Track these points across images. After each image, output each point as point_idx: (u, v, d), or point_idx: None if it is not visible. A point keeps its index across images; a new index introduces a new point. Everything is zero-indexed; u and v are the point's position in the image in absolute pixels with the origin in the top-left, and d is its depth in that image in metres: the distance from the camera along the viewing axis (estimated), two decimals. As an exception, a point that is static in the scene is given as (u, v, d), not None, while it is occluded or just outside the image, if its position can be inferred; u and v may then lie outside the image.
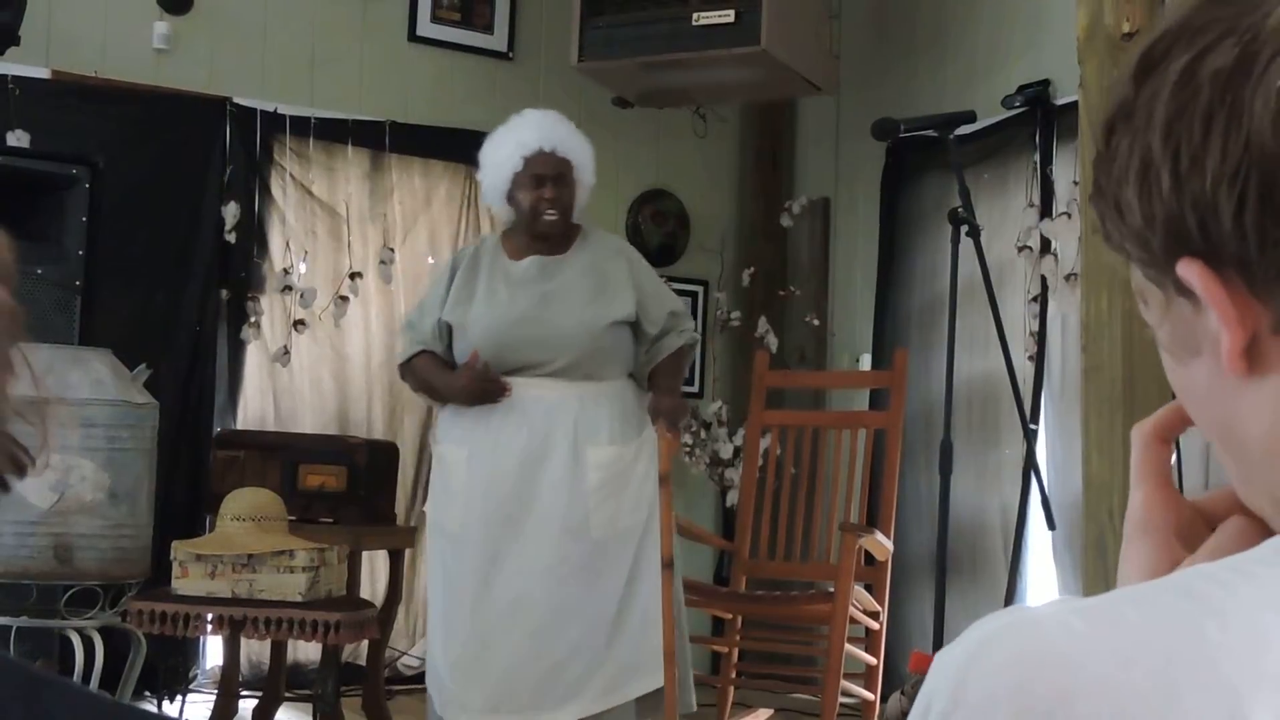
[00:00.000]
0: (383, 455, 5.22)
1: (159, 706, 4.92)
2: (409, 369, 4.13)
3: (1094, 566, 3.59)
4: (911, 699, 3.23)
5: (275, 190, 5.57)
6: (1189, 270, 0.70)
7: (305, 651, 5.14)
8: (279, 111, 5.50)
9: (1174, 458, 0.79)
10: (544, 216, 4.02)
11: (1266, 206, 0.68)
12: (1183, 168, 0.70)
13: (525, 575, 3.89)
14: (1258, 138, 0.68)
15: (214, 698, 4.49)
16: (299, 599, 4.18)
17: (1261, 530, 0.75)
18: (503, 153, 4.02)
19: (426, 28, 5.82)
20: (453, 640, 3.91)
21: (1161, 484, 0.81)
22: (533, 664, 3.87)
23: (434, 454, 4.14)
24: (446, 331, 4.07)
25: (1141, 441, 0.82)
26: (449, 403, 4.04)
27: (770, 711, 4.88)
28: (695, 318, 6.13)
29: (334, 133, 5.61)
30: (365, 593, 5.19)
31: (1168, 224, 0.71)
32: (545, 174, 4.00)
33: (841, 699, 4.37)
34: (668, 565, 3.84)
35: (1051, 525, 4.11)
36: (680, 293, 5.78)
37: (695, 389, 6.23)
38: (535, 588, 3.89)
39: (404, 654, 5.61)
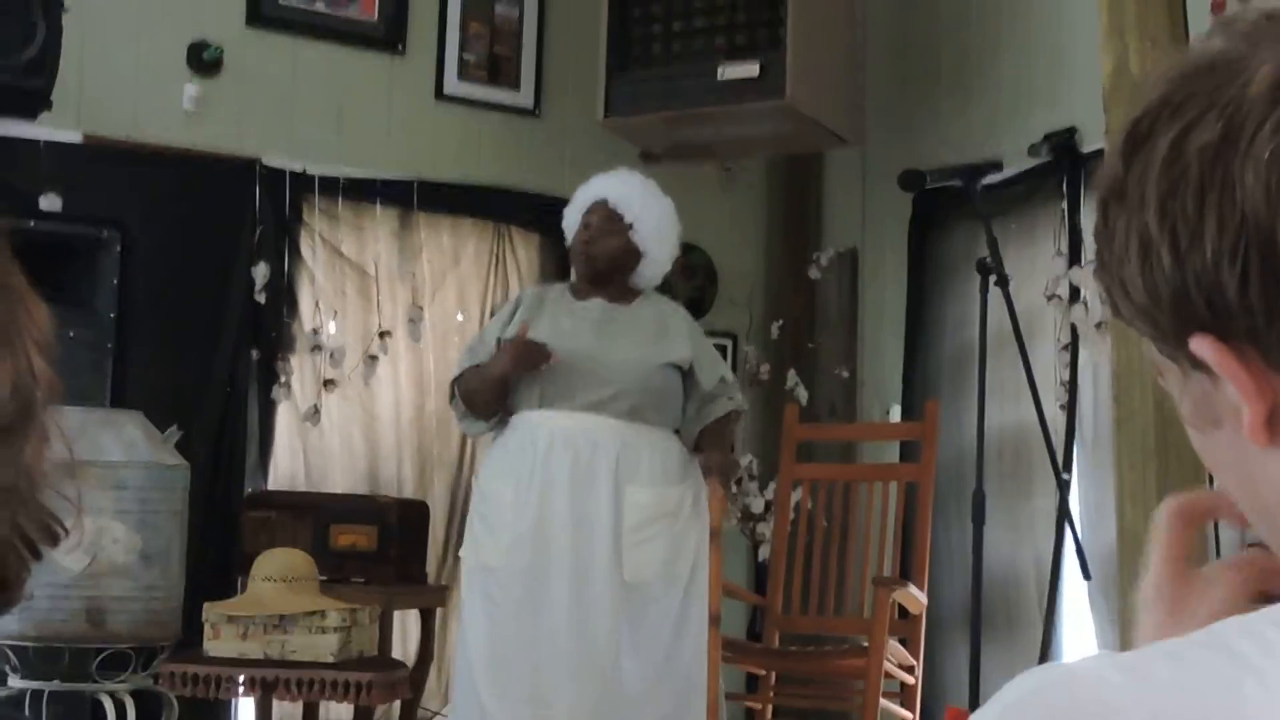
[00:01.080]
0: (414, 514, 5.22)
1: (192, 769, 4.81)
2: (458, 381, 4.18)
3: (1131, 617, 3.49)
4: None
5: (305, 250, 5.58)
6: (1201, 346, 0.71)
7: (338, 713, 5.14)
8: (307, 171, 5.54)
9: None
10: (582, 256, 4.11)
11: (1269, 278, 0.68)
12: (1182, 246, 0.70)
13: (567, 610, 3.91)
14: (1252, 211, 0.68)
15: (247, 759, 4.29)
16: (331, 659, 4.18)
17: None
18: (575, 204, 4.20)
19: (454, 85, 5.85)
20: (501, 672, 3.93)
21: (1172, 565, 0.81)
22: (578, 707, 3.90)
23: (475, 491, 4.17)
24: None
25: (1165, 521, 0.82)
26: (495, 381, 4.04)
27: (806, 767, 4.67)
28: None
29: (362, 192, 5.64)
30: (397, 653, 5.19)
31: (1174, 301, 0.71)
32: (590, 221, 4.11)
33: (877, 754, 4.19)
34: (714, 621, 3.85)
35: (1087, 575, 4.10)
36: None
37: None
38: (577, 625, 3.91)
39: (436, 714, 5.55)
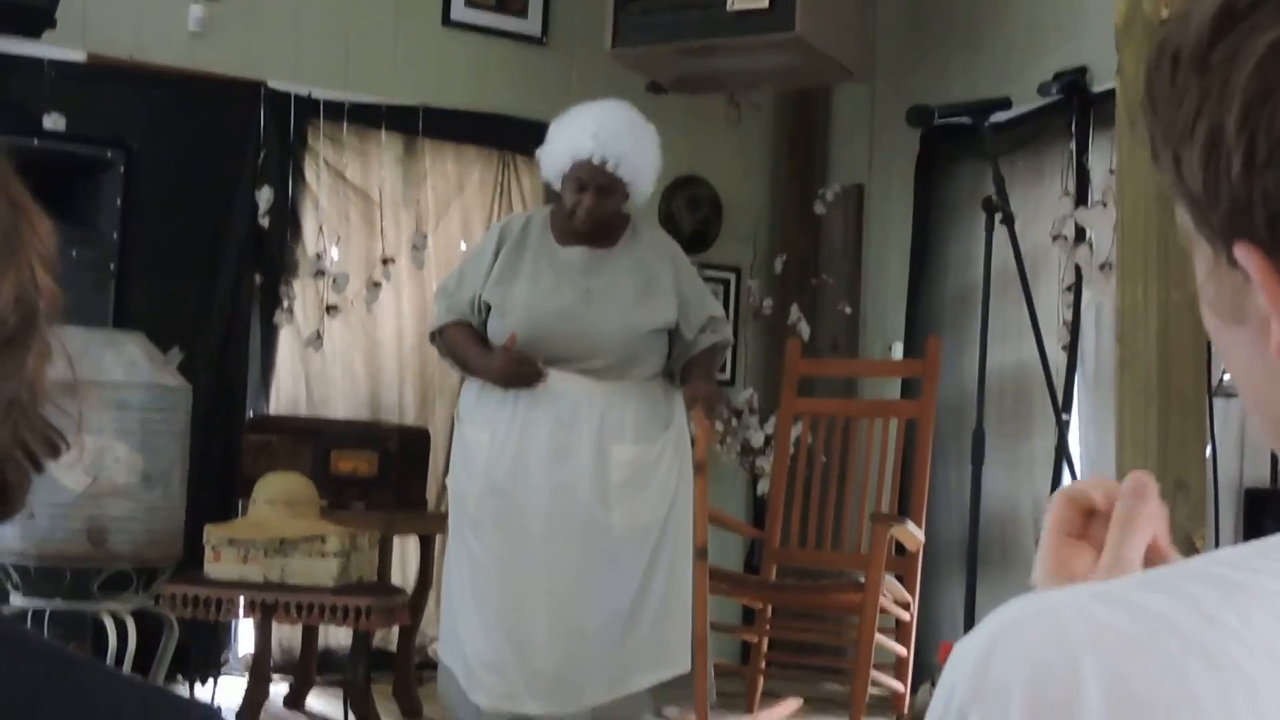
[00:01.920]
0: (414, 441, 5.22)
1: (190, 690, 4.95)
2: (440, 336, 4.12)
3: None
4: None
5: (309, 175, 5.57)
6: (1247, 257, 0.68)
7: (336, 637, 5.14)
8: (313, 96, 5.52)
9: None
10: (576, 217, 4.02)
11: None
12: (1259, 158, 0.66)
13: (544, 566, 3.88)
14: None
15: (245, 682, 4.51)
16: (330, 584, 4.19)
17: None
18: (562, 145, 4.01)
19: (461, 12, 5.81)
20: (477, 622, 3.93)
21: (1055, 536, 0.85)
22: (550, 653, 3.87)
23: (455, 430, 4.13)
24: (485, 307, 4.05)
25: (1055, 501, 0.85)
26: (479, 378, 4.03)
27: (799, 701, 4.87)
28: (727, 305, 6.12)
29: (368, 118, 5.62)
30: (396, 579, 5.20)
31: (1233, 208, 0.68)
32: (588, 183, 3.99)
33: (871, 689, 4.36)
34: (700, 554, 3.84)
35: (1084, 517, 4.05)
36: (712, 280, 5.78)
37: (727, 377, 6.22)
38: (554, 579, 3.88)
39: (435, 640, 5.48)
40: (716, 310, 4.18)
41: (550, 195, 4.52)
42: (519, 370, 3.93)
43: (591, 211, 3.96)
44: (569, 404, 3.95)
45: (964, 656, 0.66)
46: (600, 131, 3.95)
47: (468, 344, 4.05)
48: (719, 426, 5.93)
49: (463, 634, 3.92)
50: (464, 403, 4.11)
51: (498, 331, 4.00)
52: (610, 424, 3.96)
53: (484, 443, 3.98)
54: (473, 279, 4.06)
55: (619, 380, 3.99)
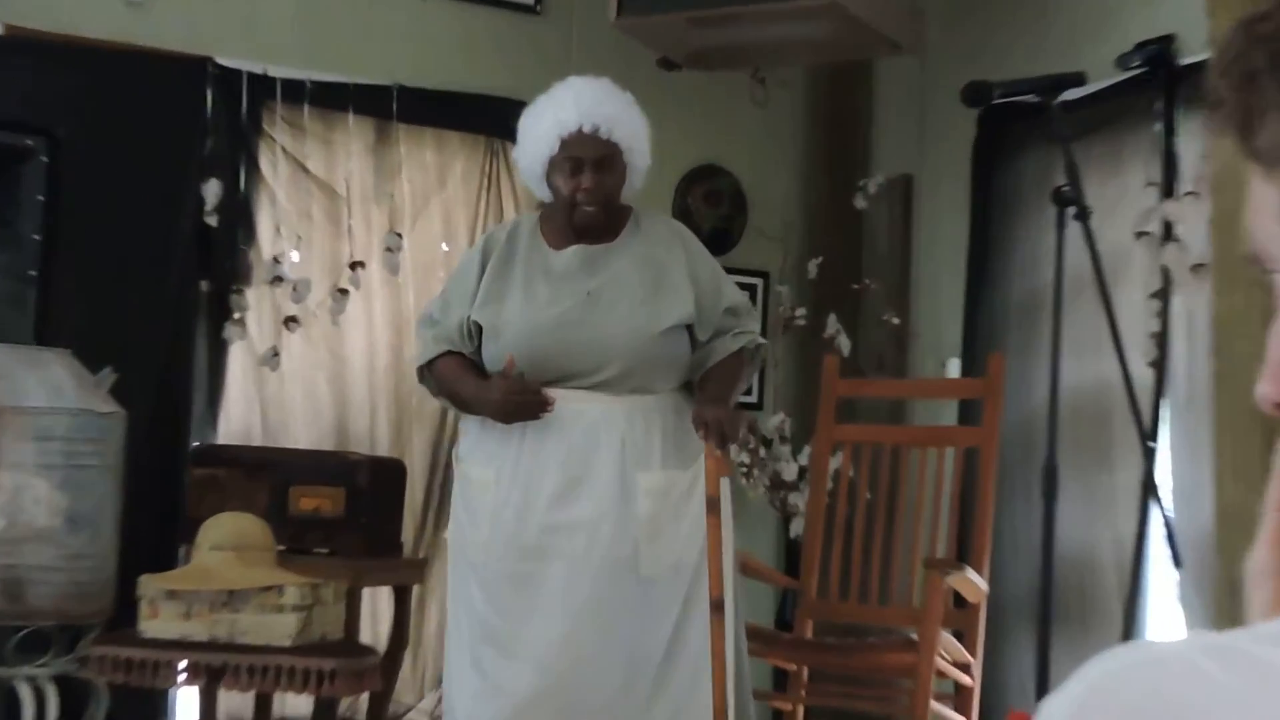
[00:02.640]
0: (388, 475, 5.24)
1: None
2: (430, 372, 4.12)
3: (1229, 613, 3.61)
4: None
5: (264, 165, 5.57)
6: None
7: (295, 705, 5.15)
8: (268, 74, 5.52)
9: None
10: (582, 208, 4.02)
11: None
12: None
13: (561, 616, 3.88)
14: None
15: (188, 759, 4.30)
16: (288, 643, 4.19)
17: None
18: (540, 129, 4.02)
19: (442, -24, 5.66)
20: (481, 688, 3.93)
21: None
22: (568, 717, 3.87)
23: (456, 474, 4.15)
24: (475, 331, 4.05)
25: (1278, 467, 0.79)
26: (479, 415, 4.04)
27: (841, 780, 4.68)
28: None
29: (333, 99, 5.62)
30: (366, 636, 5.21)
31: None
32: (584, 158, 3.99)
33: (926, 766, 4.23)
34: (716, 608, 3.82)
35: (1178, 563, 4.10)
36: (737, 285, 5.53)
37: (754, 399, 6.22)
38: (573, 629, 3.88)
39: (411, 708, 5.61)
40: (737, 299, 4.14)
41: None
42: (521, 401, 3.93)
43: (594, 190, 3.97)
44: (584, 428, 3.95)
45: (1053, 713, 0.65)
46: (580, 99, 3.98)
47: (461, 376, 4.06)
48: (742, 456, 5.93)
49: (464, 703, 3.95)
50: (464, 442, 4.13)
51: (494, 357, 4.01)
52: (634, 447, 3.95)
53: (489, 483, 3.99)
54: (459, 300, 4.07)
55: (641, 395, 3.99)
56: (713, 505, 3.86)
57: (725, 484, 3.92)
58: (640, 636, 3.89)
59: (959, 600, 4.62)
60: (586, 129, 3.95)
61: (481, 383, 3.99)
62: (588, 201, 3.98)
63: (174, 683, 4.30)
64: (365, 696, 4.88)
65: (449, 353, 4.08)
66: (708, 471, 3.90)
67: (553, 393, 3.95)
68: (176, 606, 4.21)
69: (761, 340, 4.16)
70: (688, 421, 3.99)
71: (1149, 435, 4.53)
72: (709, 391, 4.04)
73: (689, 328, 4.05)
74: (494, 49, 5.91)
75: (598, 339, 3.97)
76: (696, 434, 3.93)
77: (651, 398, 4.01)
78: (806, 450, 5.75)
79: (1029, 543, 5.24)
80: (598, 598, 3.88)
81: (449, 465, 4.72)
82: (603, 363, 3.96)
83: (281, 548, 4.53)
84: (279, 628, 4.19)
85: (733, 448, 4.24)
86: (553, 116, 3.98)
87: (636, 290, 4.01)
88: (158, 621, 4.22)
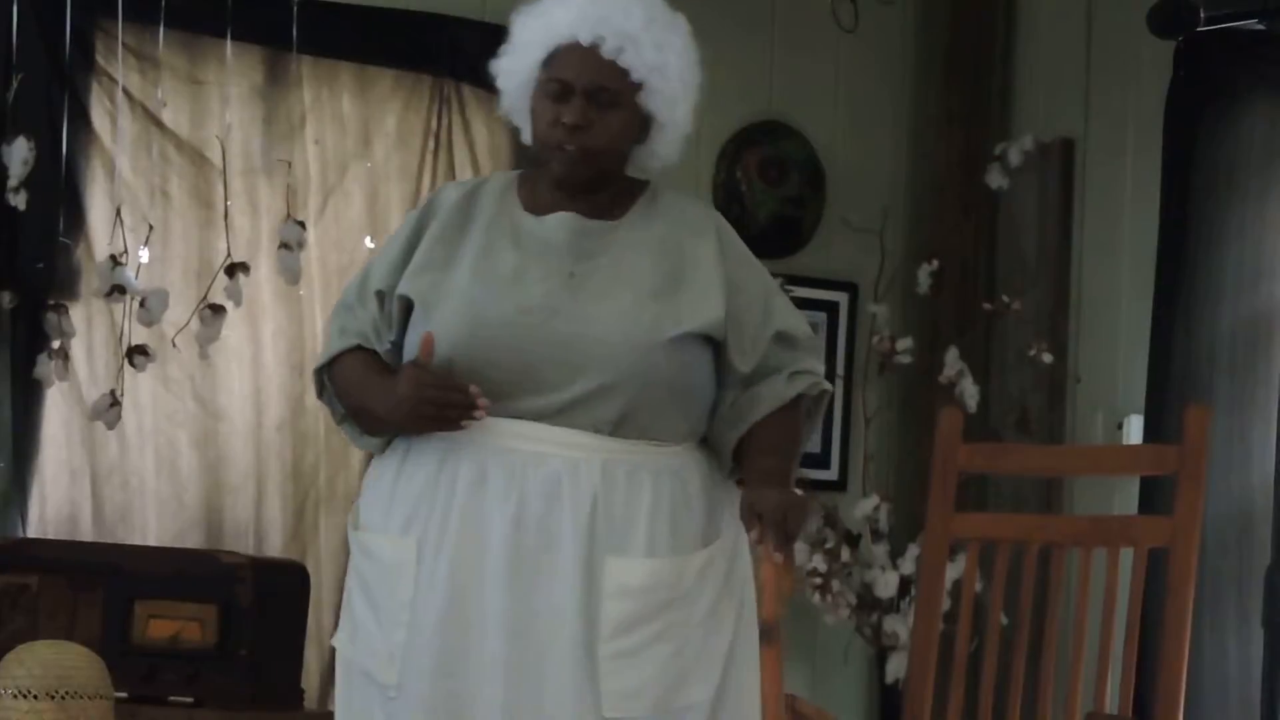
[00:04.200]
0: (282, 586, 4.97)
1: None
2: (329, 378, 3.79)
3: None
4: None
5: (97, 118, 5.30)
6: None
7: None
8: None
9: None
10: (560, 148, 3.62)
11: None
12: None
13: None
14: None
15: None
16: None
17: None
18: (527, 37, 3.68)
19: None
20: None
21: None
22: None
23: (354, 549, 3.77)
24: (401, 313, 3.70)
25: None
26: (383, 430, 3.70)
27: None
28: (834, 346, 5.86)
29: (202, 18, 5.30)
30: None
31: None
32: (572, 82, 3.61)
33: None
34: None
35: None
36: (805, 303, 5.50)
37: (831, 473, 5.90)
38: None
39: None
40: (792, 323, 3.74)
41: (520, 156, 4.55)
42: (438, 398, 3.53)
43: (579, 127, 3.60)
44: (541, 478, 3.53)
45: None
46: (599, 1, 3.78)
47: (366, 377, 3.69)
48: (811, 561, 5.50)
49: None
50: (367, 498, 3.76)
51: (418, 343, 3.80)
52: (606, 517, 3.53)
53: (408, 561, 3.57)
54: (380, 274, 3.73)
55: (625, 437, 3.57)
56: (769, 633, 3.47)
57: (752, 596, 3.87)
58: None
59: (1138, 778, 4.74)
60: (585, 40, 3.55)
61: (388, 377, 3.64)
62: (567, 139, 3.59)
63: None
64: None
65: (358, 348, 3.70)
66: (764, 583, 3.51)
67: (503, 423, 3.51)
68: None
69: (826, 386, 3.75)
70: (697, 490, 3.59)
71: None
72: (762, 465, 3.60)
73: (716, 348, 3.64)
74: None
75: (574, 337, 3.54)
76: (747, 531, 3.51)
77: (645, 446, 3.55)
78: (912, 552, 5.52)
79: (1243, 688, 4.98)
80: None
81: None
82: (575, 373, 3.53)
83: (122, 695, 4.35)
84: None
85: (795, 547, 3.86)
86: (545, 20, 3.62)
87: (645, 279, 3.60)
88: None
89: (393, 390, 3.65)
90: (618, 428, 3.61)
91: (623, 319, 3.64)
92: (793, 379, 3.68)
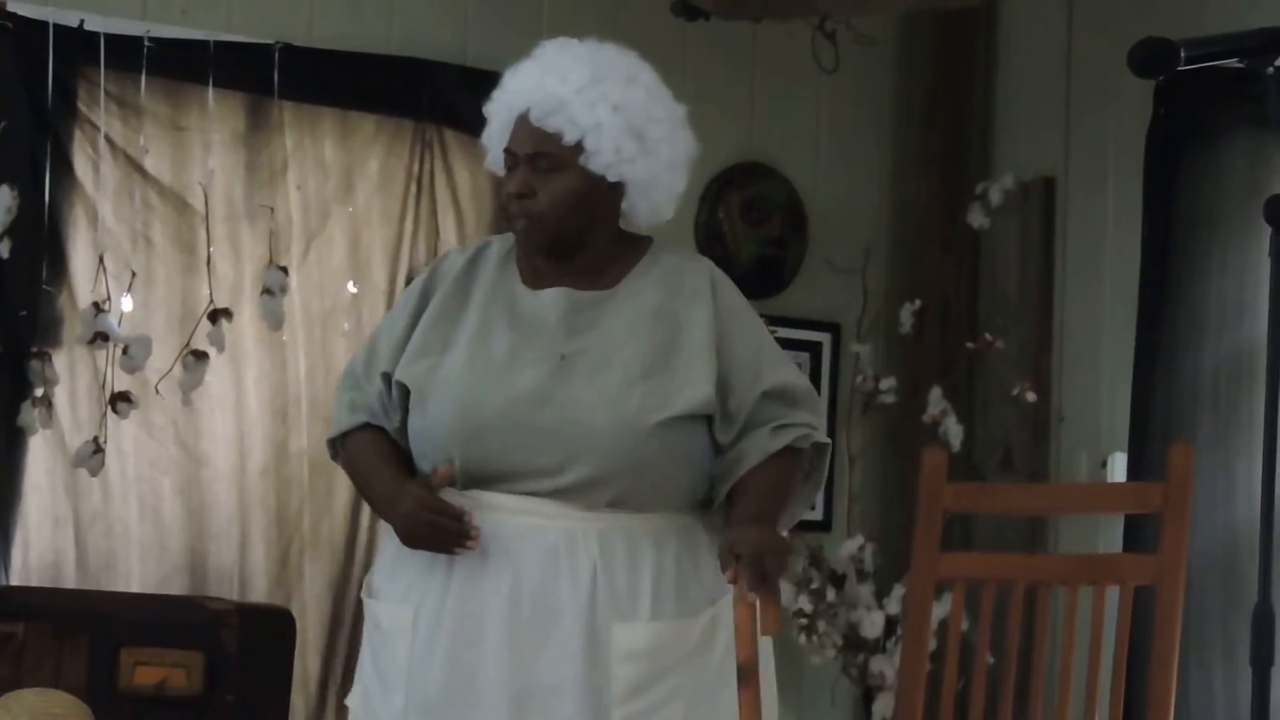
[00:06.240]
0: (267, 632, 5.01)
1: None
2: (344, 449, 3.93)
3: None
4: None
5: (80, 165, 5.35)
6: None
7: None
8: (86, 27, 5.25)
9: None
10: (515, 218, 3.78)
11: None
12: None
13: None
14: None
15: None
16: None
17: None
18: (493, 109, 3.85)
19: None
20: None
21: None
22: None
23: (366, 615, 3.92)
24: (401, 398, 3.83)
25: None
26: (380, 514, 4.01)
27: None
28: (816, 387, 5.73)
29: (185, 64, 5.36)
30: None
31: None
32: (515, 151, 3.80)
33: None
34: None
35: None
36: (788, 344, 5.41)
37: (816, 514, 5.94)
38: None
39: None
40: (784, 379, 3.84)
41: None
42: (433, 523, 3.65)
43: (522, 194, 3.73)
44: (539, 554, 3.68)
45: None
46: (540, 66, 3.78)
47: (375, 468, 3.85)
48: (797, 602, 5.61)
49: None
50: (377, 565, 3.96)
51: (421, 435, 3.80)
52: (611, 585, 3.67)
53: (404, 629, 3.76)
54: (384, 353, 3.88)
55: (622, 512, 3.68)
56: (745, 675, 3.56)
57: (765, 645, 3.70)
58: None
59: (1127, 818, 4.74)
60: (521, 108, 3.74)
61: (398, 482, 3.75)
62: (515, 208, 3.75)
63: None
64: None
65: (368, 426, 3.85)
66: (738, 625, 3.59)
67: (500, 500, 3.66)
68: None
69: (820, 438, 3.86)
70: (703, 552, 3.73)
71: None
72: (743, 506, 3.74)
73: (710, 417, 3.79)
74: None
75: (564, 425, 3.68)
76: (723, 572, 3.63)
77: (642, 518, 3.69)
78: (897, 592, 5.62)
79: (1231, 724, 5.66)
80: None
81: (359, 612, 4.48)
82: (566, 461, 3.67)
83: (106, 743, 4.66)
84: None
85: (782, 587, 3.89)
86: (504, 90, 3.80)
87: (632, 360, 3.73)
88: None
89: (394, 501, 3.75)
90: (614, 506, 3.70)
91: (611, 405, 3.73)
92: (777, 432, 3.76)
